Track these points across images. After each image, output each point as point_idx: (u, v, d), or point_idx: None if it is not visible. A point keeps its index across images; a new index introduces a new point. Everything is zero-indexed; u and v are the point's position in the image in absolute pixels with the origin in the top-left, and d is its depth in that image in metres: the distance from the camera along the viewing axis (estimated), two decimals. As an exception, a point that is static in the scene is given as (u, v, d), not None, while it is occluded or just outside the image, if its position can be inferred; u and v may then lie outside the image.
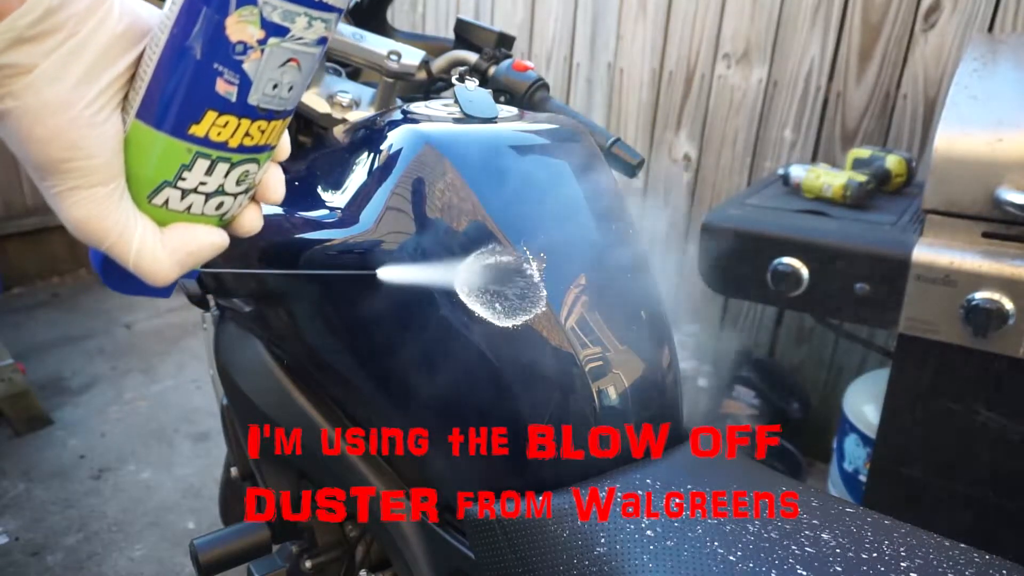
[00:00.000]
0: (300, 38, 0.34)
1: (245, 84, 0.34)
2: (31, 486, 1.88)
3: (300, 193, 0.72)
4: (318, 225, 0.65)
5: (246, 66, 0.34)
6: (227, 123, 0.35)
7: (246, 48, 0.34)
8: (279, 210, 0.71)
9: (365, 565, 0.87)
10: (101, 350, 2.58)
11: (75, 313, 2.87)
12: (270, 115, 0.36)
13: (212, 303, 1.00)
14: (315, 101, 0.86)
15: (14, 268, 3.05)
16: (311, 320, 0.71)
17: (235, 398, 0.91)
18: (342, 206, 0.65)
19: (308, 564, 0.87)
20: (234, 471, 1.05)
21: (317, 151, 0.78)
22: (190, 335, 2.70)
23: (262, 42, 0.34)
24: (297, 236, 0.66)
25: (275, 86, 0.35)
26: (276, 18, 0.33)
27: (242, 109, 0.35)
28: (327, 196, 0.68)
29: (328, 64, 0.94)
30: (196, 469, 1.98)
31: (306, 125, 0.93)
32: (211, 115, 0.35)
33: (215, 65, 0.34)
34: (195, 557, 0.84)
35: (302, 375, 0.78)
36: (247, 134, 0.36)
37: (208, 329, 1.13)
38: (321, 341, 0.71)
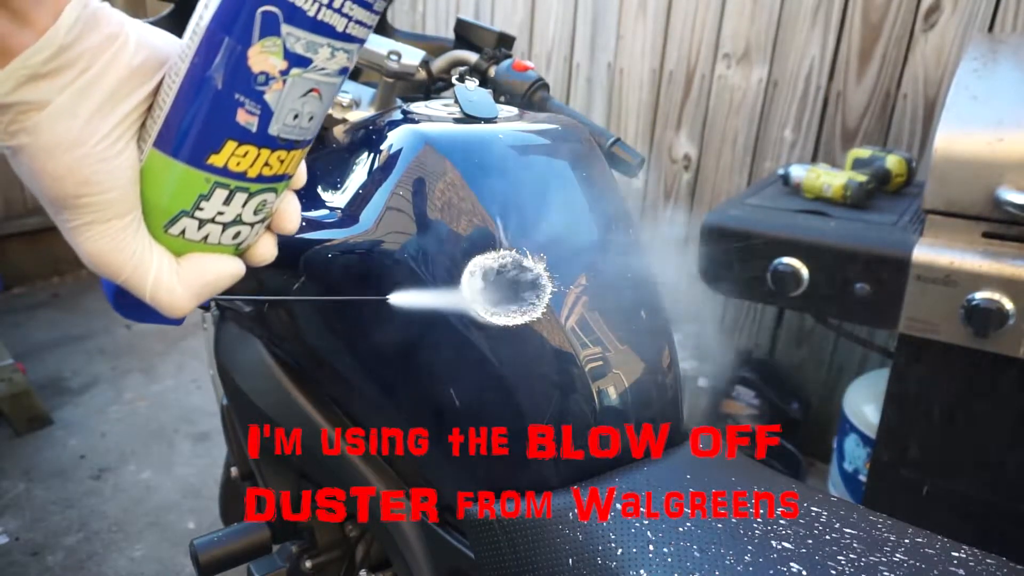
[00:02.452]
0: (322, 68, 0.34)
1: (266, 114, 0.34)
2: (31, 486, 1.88)
3: (300, 193, 0.71)
4: (318, 225, 0.65)
5: (267, 96, 0.34)
6: (247, 153, 0.35)
7: (268, 79, 0.33)
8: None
9: (365, 565, 0.87)
10: (101, 350, 2.58)
11: (75, 313, 2.87)
12: (290, 145, 0.36)
13: (212, 303, 1.00)
14: (315, 101, 0.86)
15: (14, 268, 3.05)
16: (311, 320, 0.71)
17: (235, 398, 0.91)
18: (342, 206, 0.65)
19: (308, 564, 0.87)
20: (234, 471, 1.05)
21: (317, 151, 0.78)
22: (190, 335, 2.70)
23: (284, 73, 0.33)
24: (297, 236, 0.66)
25: (296, 116, 0.35)
26: (299, 49, 0.33)
27: (262, 139, 0.35)
28: (327, 196, 0.68)
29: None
30: (196, 469, 1.98)
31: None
32: (231, 145, 0.35)
33: (236, 95, 0.33)
34: (195, 557, 0.84)
35: (302, 375, 0.78)
36: (266, 164, 0.36)
37: (208, 329, 1.13)
38: (321, 341, 0.71)
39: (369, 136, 0.69)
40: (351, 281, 0.62)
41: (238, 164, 0.35)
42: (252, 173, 0.36)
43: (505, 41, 0.95)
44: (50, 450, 2.03)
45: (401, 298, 0.56)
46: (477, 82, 0.71)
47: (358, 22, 0.34)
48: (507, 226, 0.56)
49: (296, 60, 0.33)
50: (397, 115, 0.67)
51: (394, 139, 0.63)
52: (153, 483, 1.92)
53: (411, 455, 0.67)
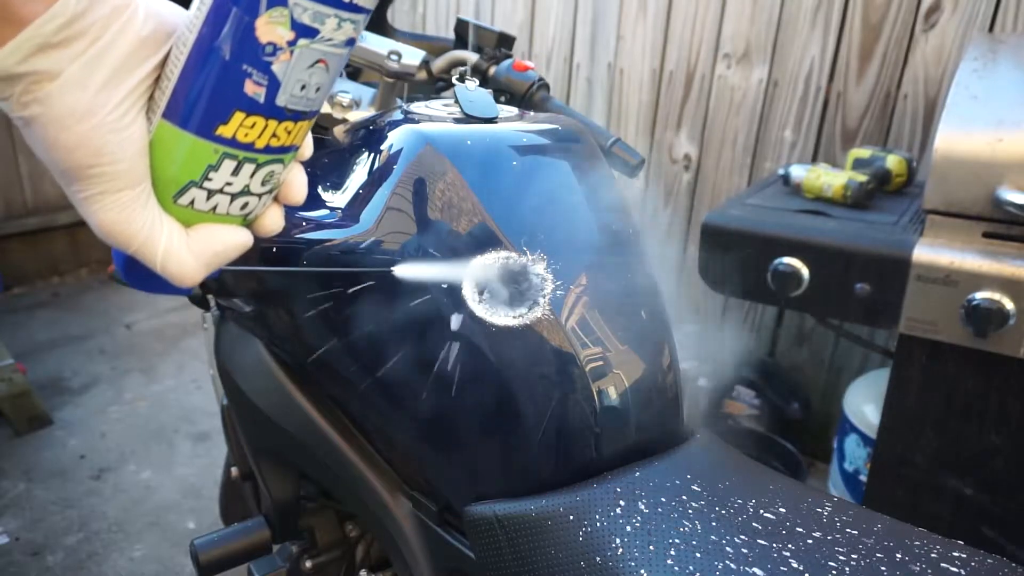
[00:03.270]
0: (329, 39, 0.34)
1: (273, 85, 0.34)
2: (31, 486, 1.88)
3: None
4: (319, 225, 0.65)
5: (275, 67, 0.34)
6: (254, 124, 0.35)
7: (275, 49, 0.33)
8: (279, 210, 0.70)
9: (365, 565, 0.87)
10: (101, 350, 2.58)
11: (75, 313, 2.87)
12: (297, 116, 0.36)
13: (212, 303, 1.00)
14: (315, 101, 0.86)
15: (14, 268, 3.04)
16: (312, 320, 0.71)
17: (235, 398, 0.91)
18: (343, 206, 0.65)
19: (308, 564, 0.87)
20: (234, 471, 1.05)
21: (317, 151, 0.78)
22: (190, 335, 2.70)
23: (292, 43, 0.34)
24: (298, 236, 0.66)
25: (303, 87, 0.35)
26: (306, 19, 0.33)
27: (270, 110, 0.35)
28: (328, 196, 0.68)
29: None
30: (196, 469, 1.98)
31: (306, 125, 0.93)
32: (239, 116, 0.35)
33: (244, 66, 0.34)
34: (195, 557, 0.84)
35: (302, 375, 0.78)
36: (274, 135, 0.36)
37: (208, 329, 1.13)
38: (321, 341, 0.71)
39: (369, 136, 0.69)
40: (351, 281, 0.62)
41: (246, 135, 0.36)
42: (260, 144, 0.36)
43: (505, 41, 0.94)
44: (50, 450, 2.03)
45: (405, 271, 0.56)
46: (477, 82, 0.71)
47: None
48: (507, 226, 0.56)
49: (303, 31, 0.33)
50: (397, 115, 0.67)
51: (394, 139, 0.63)
52: (153, 483, 1.92)
53: (411, 455, 0.67)
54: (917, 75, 1.73)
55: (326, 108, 0.86)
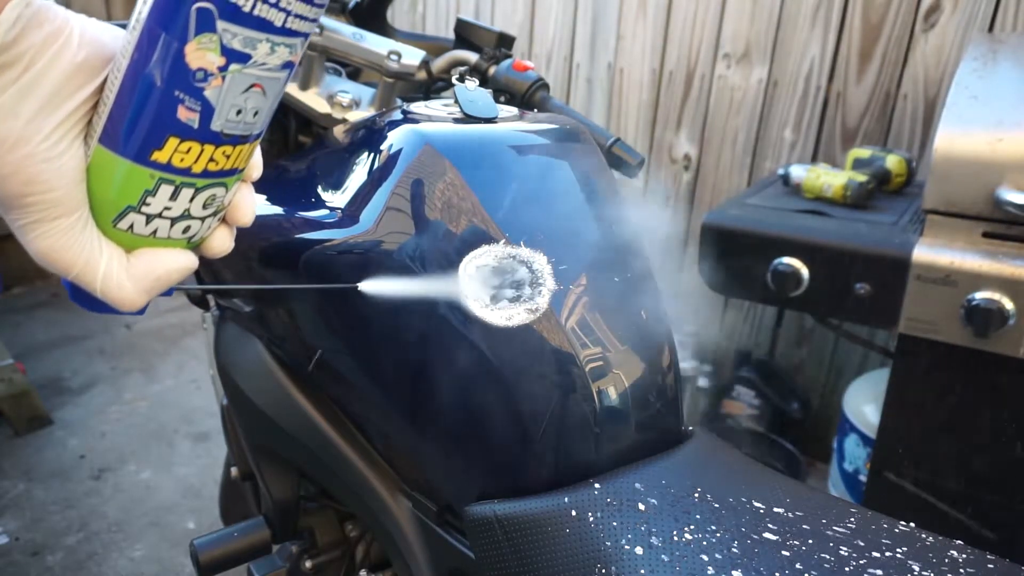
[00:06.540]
0: (263, 64, 0.34)
1: (207, 111, 0.34)
2: (31, 486, 1.88)
3: (300, 193, 0.72)
4: (318, 225, 0.65)
5: (207, 93, 0.33)
6: (190, 149, 0.35)
7: (207, 75, 0.33)
8: (279, 210, 0.71)
9: (365, 565, 0.87)
10: (101, 350, 2.58)
11: (75, 313, 2.87)
12: (235, 140, 0.36)
13: (212, 303, 1.00)
14: (315, 101, 0.86)
15: (14, 268, 3.04)
16: (311, 320, 0.71)
17: (235, 398, 0.91)
18: (342, 206, 0.65)
19: (308, 564, 0.87)
20: (234, 471, 1.05)
21: (317, 151, 0.78)
22: (190, 335, 2.70)
23: (223, 69, 0.33)
24: (297, 236, 0.66)
25: (239, 112, 0.35)
26: (237, 45, 0.32)
27: (205, 135, 0.35)
28: (327, 196, 0.68)
29: (328, 64, 0.94)
30: (196, 469, 1.98)
31: (306, 125, 0.93)
32: (173, 141, 0.34)
33: (176, 92, 0.33)
34: (195, 557, 0.84)
35: (302, 375, 0.78)
36: (211, 159, 0.36)
37: (208, 329, 1.13)
38: (321, 341, 0.71)
39: (369, 136, 0.69)
40: (350, 282, 0.62)
41: (182, 160, 0.35)
42: (197, 169, 0.36)
43: (505, 41, 0.95)
44: (50, 450, 2.03)
45: (394, 287, 0.56)
46: (477, 82, 0.71)
47: (298, 16, 0.33)
48: (507, 226, 0.56)
49: (234, 56, 0.33)
50: (397, 115, 0.67)
51: (394, 139, 0.63)
52: (153, 483, 1.92)
53: (411, 455, 0.67)
54: (917, 75, 1.73)
55: (326, 108, 0.86)
